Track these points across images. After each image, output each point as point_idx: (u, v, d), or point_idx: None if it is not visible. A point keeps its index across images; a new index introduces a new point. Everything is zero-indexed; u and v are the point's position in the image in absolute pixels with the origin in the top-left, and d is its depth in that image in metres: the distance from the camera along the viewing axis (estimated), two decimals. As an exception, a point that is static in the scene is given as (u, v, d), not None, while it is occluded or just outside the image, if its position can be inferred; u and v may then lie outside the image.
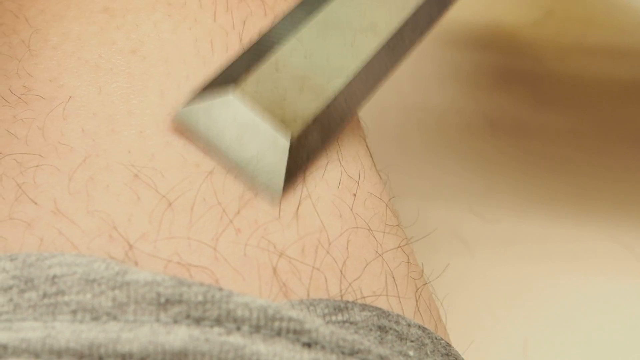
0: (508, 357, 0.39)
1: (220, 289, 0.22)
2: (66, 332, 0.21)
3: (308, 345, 0.22)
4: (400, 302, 0.25)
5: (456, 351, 0.26)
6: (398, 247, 0.27)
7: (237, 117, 0.25)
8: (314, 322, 0.22)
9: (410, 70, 0.50)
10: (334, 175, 0.27)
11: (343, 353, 0.22)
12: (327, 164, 0.27)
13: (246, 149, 0.25)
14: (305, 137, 0.26)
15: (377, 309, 0.24)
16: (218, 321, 0.22)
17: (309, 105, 0.26)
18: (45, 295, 0.22)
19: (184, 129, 0.26)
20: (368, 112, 0.31)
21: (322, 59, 0.27)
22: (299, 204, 0.25)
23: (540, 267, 0.42)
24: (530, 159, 0.46)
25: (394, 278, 0.26)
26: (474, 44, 0.51)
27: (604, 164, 0.46)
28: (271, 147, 0.25)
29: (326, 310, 0.23)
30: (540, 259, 0.43)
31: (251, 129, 0.26)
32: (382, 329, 0.24)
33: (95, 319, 0.22)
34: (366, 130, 0.30)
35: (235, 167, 0.26)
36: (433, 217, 0.42)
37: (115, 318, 0.22)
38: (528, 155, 0.46)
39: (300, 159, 0.26)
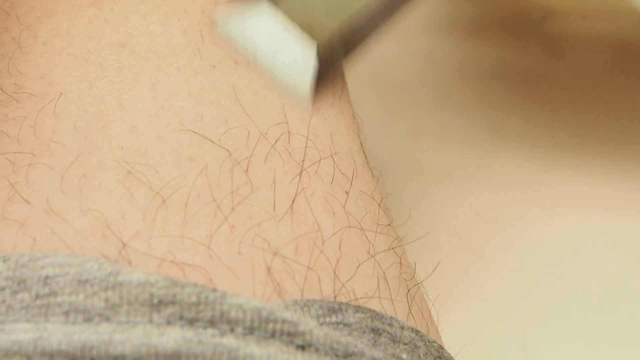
0: (508, 357, 0.39)
1: (214, 290, 0.22)
2: (58, 333, 0.21)
3: (302, 347, 0.22)
4: (392, 304, 0.25)
5: (449, 354, 0.26)
6: (390, 248, 0.27)
7: (269, 24, 0.28)
8: (308, 324, 0.22)
9: (404, 58, 0.50)
10: (327, 171, 0.27)
11: (337, 355, 0.22)
12: (320, 159, 0.27)
13: (277, 57, 0.28)
14: (331, 48, 0.28)
15: (370, 310, 0.24)
16: (212, 322, 0.22)
17: (334, 21, 0.29)
18: (37, 297, 0.22)
19: (220, 35, 0.28)
20: (363, 105, 0.32)
21: None
22: (294, 198, 0.25)
23: (541, 266, 0.42)
24: (532, 159, 0.46)
25: (386, 279, 0.26)
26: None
27: (610, 166, 0.46)
28: (300, 54, 0.28)
29: (320, 312, 0.23)
30: (541, 258, 0.43)
31: (282, 35, 0.28)
32: (375, 331, 0.24)
33: (88, 320, 0.22)
34: (361, 125, 0.30)
35: (267, 72, 0.27)
36: (429, 214, 0.42)
37: (107, 319, 0.22)
38: (529, 155, 0.46)
39: (326, 69, 0.28)
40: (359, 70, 0.39)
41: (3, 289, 0.22)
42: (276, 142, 0.26)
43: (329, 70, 0.29)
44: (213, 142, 0.25)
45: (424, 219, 0.41)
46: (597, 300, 0.41)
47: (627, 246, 0.43)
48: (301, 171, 0.26)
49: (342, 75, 0.30)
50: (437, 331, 0.28)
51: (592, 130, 0.47)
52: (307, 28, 0.28)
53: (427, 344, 0.25)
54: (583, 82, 0.49)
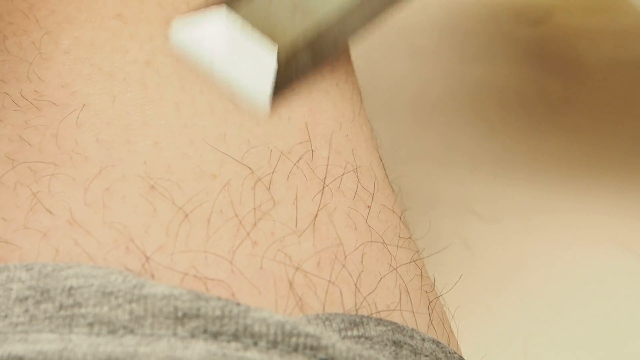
0: (508, 357, 0.39)
1: (238, 304, 0.22)
2: (83, 345, 0.21)
3: None
4: (414, 316, 0.25)
5: (469, 365, 0.26)
6: (411, 261, 0.27)
7: (227, 30, 0.27)
8: (331, 338, 0.22)
9: (412, 68, 0.50)
10: (350, 186, 0.27)
11: None
12: (342, 174, 0.27)
13: (235, 62, 0.27)
14: (294, 55, 0.27)
15: (392, 323, 0.24)
16: (235, 336, 0.22)
17: (299, 26, 0.27)
18: (61, 307, 0.22)
19: (176, 42, 0.27)
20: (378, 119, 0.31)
21: None
22: (316, 214, 0.25)
23: (542, 267, 0.42)
24: (536, 159, 0.46)
25: (407, 292, 0.26)
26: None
27: (612, 166, 0.46)
28: (259, 62, 0.27)
29: (342, 325, 0.23)
30: (542, 259, 0.43)
31: (241, 41, 0.27)
32: (397, 343, 0.24)
33: (112, 332, 0.22)
34: (378, 140, 0.30)
35: (224, 81, 0.27)
36: (440, 226, 0.42)
37: (132, 332, 0.22)
38: (534, 156, 0.46)
39: (289, 75, 0.27)
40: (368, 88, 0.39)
41: (26, 298, 0.22)
42: (299, 160, 0.26)
43: (294, 75, 0.28)
44: (236, 159, 0.25)
45: (435, 231, 0.41)
46: (598, 301, 0.42)
47: (627, 248, 0.43)
48: (323, 187, 0.26)
49: (359, 91, 0.30)
50: (457, 342, 0.28)
51: (591, 137, 0.47)
52: (269, 32, 0.27)
53: (448, 355, 0.25)
54: (595, 102, 0.49)
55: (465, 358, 0.26)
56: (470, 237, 0.43)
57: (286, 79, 0.27)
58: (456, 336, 0.28)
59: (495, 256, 0.42)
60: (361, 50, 0.44)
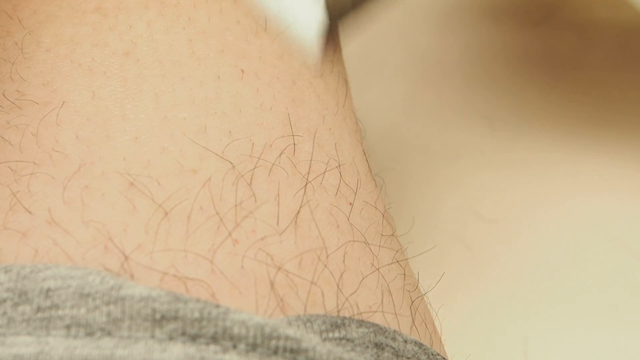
0: (508, 357, 0.39)
1: (217, 306, 0.22)
2: (60, 348, 0.21)
3: None
4: (396, 317, 0.25)
5: (452, 366, 0.26)
6: (393, 260, 0.27)
7: None
8: (311, 341, 0.22)
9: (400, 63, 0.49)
10: (332, 182, 0.26)
11: None
12: (325, 171, 0.27)
13: (287, 11, 0.28)
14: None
15: (373, 325, 0.24)
16: (214, 339, 0.22)
17: None
18: (39, 309, 0.22)
19: None
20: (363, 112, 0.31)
21: None
22: (298, 212, 0.25)
23: (542, 267, 0.42)
24: (531, 159, 0.46)
25: (390, 292, 0.26)
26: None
27: (611, 165, 0.46)
28: (309, 8, 0.28)
29: (323, 327, 0.23)
30: (541, 259, 0.42)
31: None
32: (378, 346, 0.24)
33: (90, 334, 0.22)
34: (363, 131, 0.30)
35: (279, 30, 0.28)
36: (431, 218, 0.42)
37: (109, 334, 0.22)
38: (528, 155, 0.46)
39: (335, 20, 0.28)
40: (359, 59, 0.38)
41: (4, 300, 0.22)
42: (281, 154, 0.26)
43: (338, 23, 0.28)
44: (216, 154, 0.25)
45: (424, 223, 0.41)
46: (598, 300, 0.41)
47: (628, 247, 0.43)
48: (306, 184, 0.26)
49: (345, 81, 0.30)
50: (441, 341, 0.28)
51: (592, 127, 0.47)
52: None
53: (431, 357, 0.25)
54: (586, 75, 0.49)
55: (448, 359, 0.26)
56: (470, 236, 0.42)
57: (333, 25, 0.28)
58: (454, 336, 0.28)
59: (495, 256, 0.42)
60: (359, 45, 0.44)
